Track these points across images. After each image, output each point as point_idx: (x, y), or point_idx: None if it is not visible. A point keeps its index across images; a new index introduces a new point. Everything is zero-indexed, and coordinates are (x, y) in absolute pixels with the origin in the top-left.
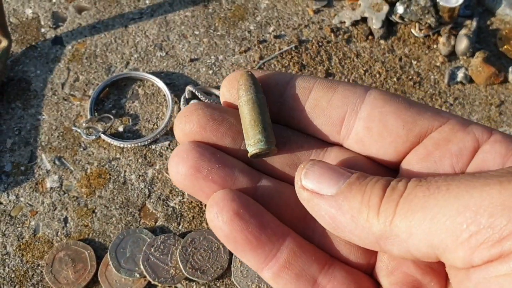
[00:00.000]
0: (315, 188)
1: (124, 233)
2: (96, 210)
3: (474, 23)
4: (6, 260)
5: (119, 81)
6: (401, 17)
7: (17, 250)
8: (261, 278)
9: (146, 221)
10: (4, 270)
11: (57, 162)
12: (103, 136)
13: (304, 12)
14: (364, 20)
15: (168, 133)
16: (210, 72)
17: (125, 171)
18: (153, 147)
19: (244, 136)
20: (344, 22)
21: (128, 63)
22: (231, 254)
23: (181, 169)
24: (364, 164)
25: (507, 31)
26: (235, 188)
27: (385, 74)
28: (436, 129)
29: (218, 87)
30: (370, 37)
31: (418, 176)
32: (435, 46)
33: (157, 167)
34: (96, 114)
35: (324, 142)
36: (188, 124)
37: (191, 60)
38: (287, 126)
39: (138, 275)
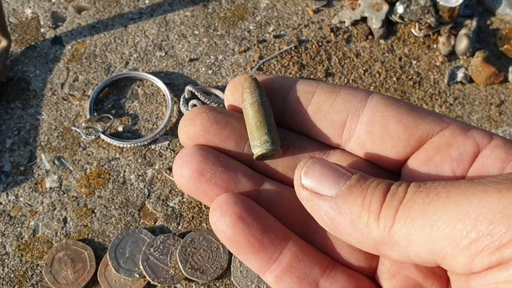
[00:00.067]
0: (314, 188)
1: (124, 233)
2: (95, 210)
3: (474, 23)
4: (6, 260)
5: (118, 81)
6: (401, 17)
7: (17, 250)
8: (261, 278)
9: (146, 221)
10: (3, 270)
11: (56, 162)
12: (102, 136)
13: (303, 12)
14: (364, 19)
15: (168, 133)
16: (210, 72)
17: (124, 171)
18: (152, 147)
19: (250, 137)
20: (344, 22)
21: (127, 63)
22: (230, 254)
23: (185, 172)
24: (365, 167)
25: (507, 31)
26: (238, 192)
27: (385, 74)
28: (437, 133)
29: (217, 87)
30: (370, 36)
31: (419, 180)
32: (435, 45)
33: (157, 167)
34: (95, 114)
35: (326, 146)
36: (192, 127)
37: (191, 60)
38: (290, 129)
39: (137, 275)
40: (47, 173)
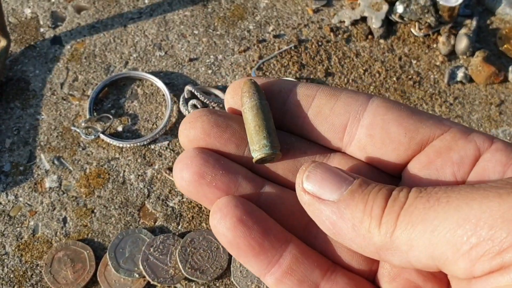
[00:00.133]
0: (316, 192)
1: (123, 233)
2: (95, 210)
3: (474, 23)
4: (5, 260)
5: (118, 80)
6: (401, 17)
7: (16, 250)
8: None
9: (145, 221)
10: (3, 270)
11: (56, 162)
12: (102, 136)
13: (303, 12)
14: (363, 19)
15: (167, 133)
16: (210, 71)
17: (124, 171)
18: (152, 147)
19: (249, 141)
20: (344, 22)
21: (127, 63)
22: (230, 254)
23: (185, 175)
24: (366, 170)
25: (507, 30)
26: (239, 195)
27: (385, 74)
28: (438, 137)
29: (217, 87)
30: (369, 36)
31: (420, 183)
32: (435, 45)
33: (156, 167)
34: (95, 114)
35: (326, 149)
36: (193, 130)
37: (190, 60)
38: (290, 132)
39: (137, 275)
40: (46, 173)
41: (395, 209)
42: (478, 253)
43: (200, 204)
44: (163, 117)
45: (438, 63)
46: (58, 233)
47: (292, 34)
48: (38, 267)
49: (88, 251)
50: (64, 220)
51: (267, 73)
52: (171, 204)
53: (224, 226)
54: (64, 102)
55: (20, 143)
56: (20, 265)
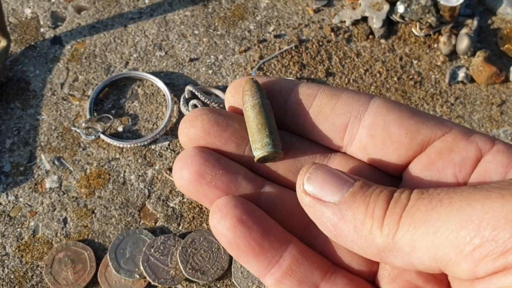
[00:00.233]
0: (317, 194)
1: (124, 233)
2: (95, 211)
3: (475, 22)
4: (6, 261)
5: (118, 81)
6: (402, 16)
7: (17, 251)
8: None
9: (146, 222)
10: (3, 271)
11: (56, 162)
12: (102, 136)
13: (304, 12)
14: (364, 19)
15: (168, 133)
16: (210, 71)
17: (124, 171)
18: (152, 147)
19: (251, 140)
20: (345, 22)
21: (127, 63)
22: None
23: (185, 175)
24: (367, 171)
25: (508, 30)
26: (239, 194)
27: (386, 74)
28: (439, 138)
29: (218, 87)
30: (370, 36)
31: (421, 184)
32: (436, 45)
33: (157, 167)
34: (95, 114)
35: (327, 149)
36: (193, 129)
37: (191, 60)
38: (291, 132)
39: (138, 276)
40: (47, 173)
41: (397, 211)
42: (481, 254)
43: (201, 205)
44: (163, 117)
45: (439, 63)
46: (58, 233)
47: (293, 34)
48: (39, 268)
49: (88, 252)
50: (65, 221)
51: (268, 73)
52: (171, 205)
53: (224, 226)
54: (65, 102)
55: (21, 143)
56: (21, 266)
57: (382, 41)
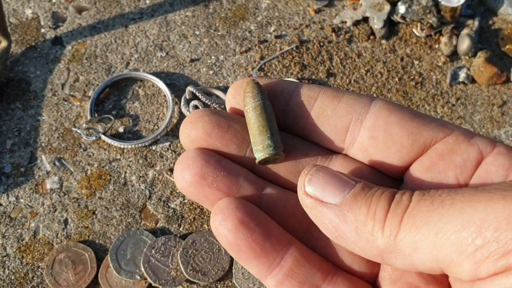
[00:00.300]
0: (318, 196)
1: (125, 234)
2: (96, 212)
3: (476, 23)
4: (6, 262)
5: (119, 81)
6: (403, 17)
7: (17, 252)
8: None
9: (147, 223)
10: (4, 272)
11: (57, 163)
12: (103, 137)
13: (305, 12)
14: (365, 20)
15: (169, 134)
16: (211, 72)
17: (125, 172)
18: (153, 148)
19: (252, 142)
20: (346, 22)
21: (128, 64)
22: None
23: (186, 176)
24: (368, 173)
25: (509, 31)
26: (240, 196)
27: (387, 74)
28: (441, 140)
29: (219, 88)
30: (371, 37)
31: (422, 186)
32: (437, 46)
33: (158, 168)
34: (96, 114)
35: (329, 151)
36: (194, 130)
37: (192, 61)
38: (292, 133)
39: (138, 277)
40: (47, 174)
41: (399, 212)
42: (483, 254)
43: (201, 206)
44: (164, 118)
45: (440, 64)
46: (59, 234)
47: (294, 34)
48: (39, 269)
49: (89, 253)
50: (65, 222)
51: (269, 74)
52: (172, 206)
53: (225, 227)
54: (65, 103)
55: (21, 144)
56: (21, 267)
57: (383, 41)
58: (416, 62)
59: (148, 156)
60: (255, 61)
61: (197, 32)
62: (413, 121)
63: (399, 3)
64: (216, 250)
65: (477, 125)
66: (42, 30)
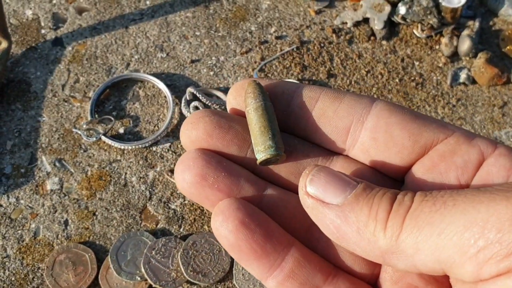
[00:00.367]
0: (320, 196)
1: (125, 235)
2: (96, 213)
3: (477, 24)
4: (6, 263)
5: (119, 82)
6: (403, 18)
7: (17, 253)
8: None
9: (147, 224)
10: (4, 273)
11: (57, 164)
12: (103, 138)
13: (305, 13)
14: (366, 20)
15: (169, 135)
16: (211, 73)
17: (125, 173)
18: (154, 149)
19: (253, 142)
20: (346, 23)
21: (128, 65)
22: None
23: (187, 177)
24: (369, 174)
25: (510, 32)
26: (241, 197)
27: (387, 75)
28: (442, 141)
29: (219, 89)
30: (372, 38)
31: (423, 187)
32: (437, 47)
33: (158, 169)
34: (96, 115)
35: (330, 152)
36: (195, 131)
37: (192, 61)
38: (293, 134)
39: (139, 278)
40: (48, 175)
41: (401, 213)
42: (485, 256)
43: (202, 207)
44: (164, 119)
45: (440, 65)
46: (59, 235)
47: (294, 35)
48: (40, 270)
49: (89, 254)
50: (66, 223)
51: (269, 75)
52: (173, 207)
53: (226, 228)
54: (66, 104)
55: (21, 145)
56: (22, 268)
57: (384, 42)
58: (416, 63)
59: (148, 157)
60: (255, 62)
61: (197, 33)
62: (414, 122)
63: (400, 4)
64: (217, 251)
65: (478, 126)
66: (43, 31)
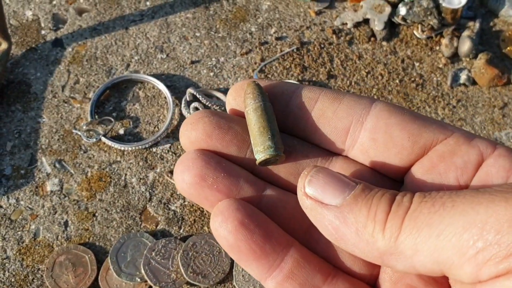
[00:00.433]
0: (318, 197)
1: (125, 237)
2: (96, 214)
3: (477, 25)
4: (6, 264)
5: (119, 83)
6: (404, 19)
7: (17, 254)
8: None
9: (147, 225)
10: (4, 274)
11: (57, 165)
12: (103, 139)
13: (305, 14)
14: (366, 21)
15: (169, 136)
16: (211, 74)
17: (125, 174)
18: (154, 150)
19: (252, 143)
20: (346, 24)
21: (128, 65)
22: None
23: (186, 178)
24: (368, 174)
25: (510, 33)
26: (240, 197)
27: (388, 76)
28: (441, 141)
29: (219, 90)
30: (372, 38)
31: (423, 188)
32: (437, 47)
33: (158, 170)
34: (96, 116)
35: (329, 152)
36: (194, 131)
37: (192, 62)
38: (293, 135)
39: (139, 280)
40: (48, 176)
41: (400, 214)
42: (484, 257)
43: (202, 208)
44: (164, 120)
45: (441, 66)
46: (59, 237)
47: (294, 36)
48: (40, 271)
49: (89, 255)
50: (66, 224)
51: (269, 76)
52: (173, 208)
53: (225, 229)
54: (66, 105)
55: (21, 146)
56: (21, 269)
57: (384, 43)
58: (417, 64)
59: (148, 158)
60: (255, 63)
61: (197, 34)
62: (414, 122)
63: (400, 5)
64: (217, 253)
65: (478, 127)
66: (43, 32)
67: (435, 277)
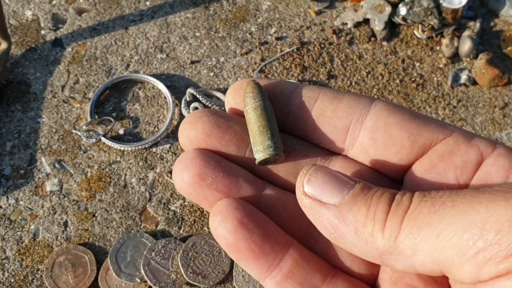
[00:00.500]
0: (317, 196)
1: (125, 237)
2: (96, 214)
3: (478, 25)
4: (6, 265)
5: (119, 83)
6: (404, 19)
7: (17, 254)
8: None
9: (147, 225)
10: (3, 274)
11: (57, 165)
12: (103, 139)
13: (306, 14)
14: (366, 21)
15: (169, 136)
16: (211, 74)
17: (125, 175)
18: (153, 150)
19: (252, 142)
20: (346, 24)
21: (128, 65)
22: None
23: (185, 177)
24: (368, 174)
25: (511, 33)
26: (239, 197)
27: (388, 76)
28: (441, 141)
29: (219, 90)
30: (372, 38)
31: (422, 187)
32: (438, 47)
33: (158, 170)
34: (96, 116)
35: (328, 152)
36: (193, 131)
37: (192, 62)
38: (292, 134)
39: (138, 280)
40: (47, 176)
41: (399, 213)
42: (484, 257)
43: (202, 208)
44: (164, 120)
45: (441, 66)
46: (59, 237)
47: (295, 36)
48: (39, 272)
49: (89, 256)
50: (65, 224)
51: (269, 76)
52: (172, 208)
53: (224, 228)
54: (65, 105)
55: (21, 146)
56: (21, 269)
57: (384, 43)
58: (417, 64)
59: (148, 158)
60: (255, 63)
61: (197, 34)
62: (413, 122)
63: (400, 5)
64: (217, 253)
65: (479, 127)
66: (42, 32)
67: (435, 277)
